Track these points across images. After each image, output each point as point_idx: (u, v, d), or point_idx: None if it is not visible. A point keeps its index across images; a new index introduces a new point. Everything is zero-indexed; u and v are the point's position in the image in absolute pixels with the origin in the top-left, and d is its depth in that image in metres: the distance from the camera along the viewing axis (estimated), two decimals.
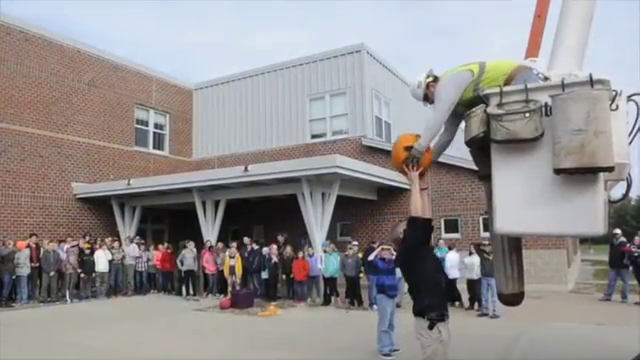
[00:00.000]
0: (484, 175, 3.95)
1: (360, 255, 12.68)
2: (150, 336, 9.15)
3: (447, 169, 15.85)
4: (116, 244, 15.42)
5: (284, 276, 13.58)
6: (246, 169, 13.52)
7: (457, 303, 12.07)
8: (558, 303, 12.47)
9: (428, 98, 4.30)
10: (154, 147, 21.02)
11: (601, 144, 3.06)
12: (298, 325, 10.06)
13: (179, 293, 14.72)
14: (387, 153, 17.30)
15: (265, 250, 13.95)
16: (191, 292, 14.48)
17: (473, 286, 11.53)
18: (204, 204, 15.53)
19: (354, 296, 12.34)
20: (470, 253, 11.75)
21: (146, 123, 20.78)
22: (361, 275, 12.56)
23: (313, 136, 19.45)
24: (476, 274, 11.39)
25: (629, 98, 3.78)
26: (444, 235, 15.76)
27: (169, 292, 15.34)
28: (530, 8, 4.75)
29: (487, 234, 15.25)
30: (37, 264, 13.42)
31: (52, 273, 13.52)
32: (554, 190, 3.33)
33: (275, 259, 13.55)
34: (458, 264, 12.04)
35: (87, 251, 14.33)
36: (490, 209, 3.88)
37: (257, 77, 21.16)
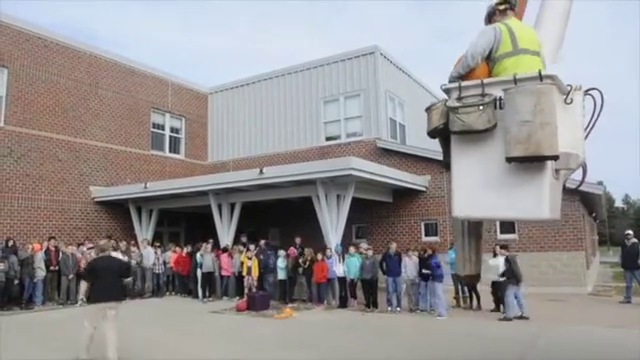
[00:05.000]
0: (447, 164, 4.09)
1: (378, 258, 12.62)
2: (166, 338, 9.21)
3: None
4: (133, 247, 15.56)
5: (304, 278, 13.55)
6: (261, 172, 13.56)
7: (476, 304, 12.00)
8: (577, 306, 12.31)
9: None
10: (170, 151, 21.21)
11: (546, 134, 3.28)
12: (314, 328, 10.06)
13: (195, 295, 14.80)
14: (402, 155, 17.27)
15: (281, 252, 13.97)
16: (207, 294, 14.54)
17: (498, 288, 11.35)
18: (220, 207, 15.62)
19: (371, 299, 12.29)
20: (494, 254, 11.60)
21: (162, 127, 20.99)
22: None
23: (328, 138, 19.46)
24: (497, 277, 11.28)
25: (586, 93, 3.97)
26: None
27: (186, 294, 15.43)
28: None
29: (504, 236, 15.18)
30: (56, 267, 13.60)
31: (71, 276, 13.68)
32: (506, 177, 3.54)
33: (290, 261, 13.58)
34: None
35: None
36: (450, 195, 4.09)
37: (271, 80, 21.26)
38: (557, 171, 3.67)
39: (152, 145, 20.33)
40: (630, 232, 13.62)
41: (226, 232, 15.48)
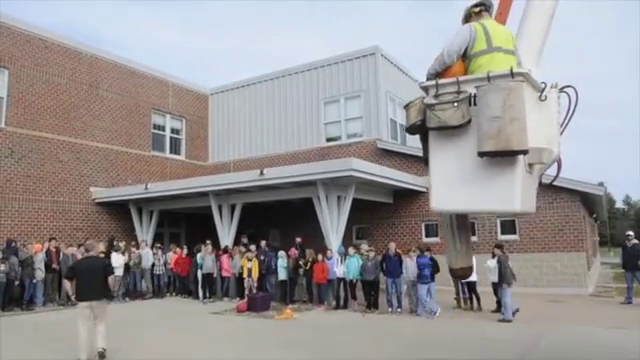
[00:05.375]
0: (426, 159, 4.21)
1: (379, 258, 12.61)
2: (166, 339, 9.21)
3: None
4: (133, 248, 15.56)
5: (305, 279, 13.56)
6: (262, 173, 13.57)
7: (476, 305, 11.98)
8: (578, 307, 12.30)
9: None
10: (171, 152, 21.23)
11: (515, 129, 3.39)
12: (315, 329, 10.05)
13: (196, 296, 14.79)
14: (402, 156, 17.26)
15: (281, 253, 13.96)
16: (208, 295, 14.54)
17: (496, 289, 11.40)
18: (220, 208, 15.63)
19: (371, 299, 12.28)
20: (493, 256, 11.63)
21: (163, 128, 21.01)
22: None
23: (328, 139, 19.46)
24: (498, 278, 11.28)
25: (561, 90, 4.12)
26: None
27: (186, 295, 15.43)
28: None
29: (505, 237, 15.18)
30: (57, 268, 13.59)
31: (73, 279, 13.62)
32: (480, 171, 3.65)
33: (290, 262, 13.58)
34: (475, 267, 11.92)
35: (103, 255, 14.43)
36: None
37: (272, 81, 21.28)
38: (530, 165, 3.77)
39: (153, 146, 20.35)
40: (631, 233, 13.63)
41: (226, 233, 15.49)
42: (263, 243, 14.71)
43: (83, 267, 7.62)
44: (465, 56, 4.08)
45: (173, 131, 21.48)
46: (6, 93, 15.62)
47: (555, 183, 14.44)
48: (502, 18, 4.66)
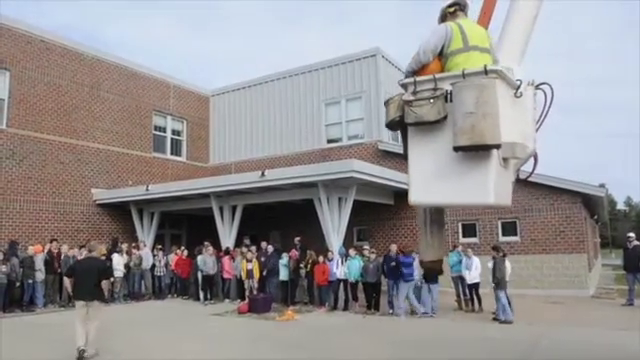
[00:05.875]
0: (406, 155, 4.32)
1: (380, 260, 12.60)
2: (166, 340, 9.21)
3: None
4: (134, 250, 15.56)
5: (306, 281, 13.55)
6: (263, 174, 13.57)
7: (477, 307, 11.97)
8: (579, 308, 12.28)
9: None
10: (172, 153, 21.25)
11: (488, 124, 3.49)
12: (316, 330, 10.05)
13: (197, 298, 14.79)
14: (403, 157, 17.18)
15: (283, 255, 13.95)
16: (209, 296, 14.53)
17: None
18: (221, 209, 15.63)
19: (372, 301, 12.26)
20: (494, 257, 11.62)
21: (164, 129, 21.03)
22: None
23: (329, 141, 19.47)
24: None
25: (537, 87, 4.24)
26: (462, 239, 15.64)
27: (187, 297, 15.43)
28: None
29: (507, 238, 15.18)
30: (59, 269, 13.58)
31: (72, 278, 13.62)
32: (455, 166, 3.75)
33: (291, 263, 13.58)
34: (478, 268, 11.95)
35: (104, 256, 14.42)
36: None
37: (273, 83, 21.29)
38: (505, 160, 3.86)
39: (154, 147, 20.36)
40: (632, 235, 13.61)
41: (227, 234, 15.48)
42: (264, 244, 14.70)
43: (81, 267, 7.98)
44: (442, 55, 4.17)
45: (174, 132, 21.50)
46: (7, 94, 15.64)
47: (556, 184, 14.51)
48: (486, 18, 4.76)
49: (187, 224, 21.00)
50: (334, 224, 13.47)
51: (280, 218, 18.44)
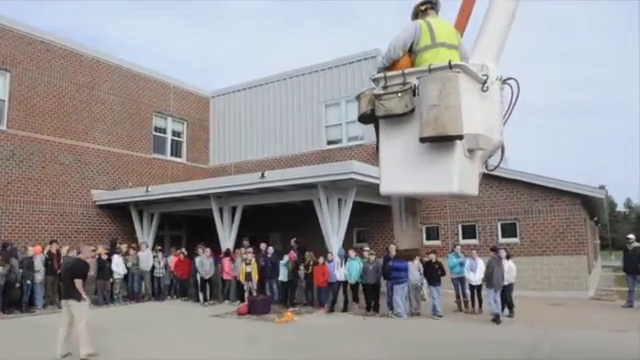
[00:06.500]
0: (378, 147, 4.46)
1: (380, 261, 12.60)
2: (166, 341, 9.21)
3: None
4: (132, 251, 15.57)
5: (304, 282, 13.54)
6: (263, 175, 13.57)
7: (477, 309, 11.97)
8: (579, 310, 12.28)
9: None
10: (172, 154, 21.25)
11: (450, 116, 3.63)
12: (315, 332, 10.05)
13: (196, 299, 14.79)
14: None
15: (284, 256, 13.95)
16: (208, 298, 14.53)
17: (503, 292, 11.36)
18: (221, 210, 15.63)
19: (372, 303, 12.26)
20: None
21: (164, 130, 21.03)
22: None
23: (329, 142, 19.48)
24: (506, 280, 11.33)
25: (504, 82, 4.39)
26: (462, 241, 15.64)
27: (186, 298, 15.43)
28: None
29: (506, 240, 15.17)
30: (58, 270, 13.57)
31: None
32: (422, 156, 3.89)
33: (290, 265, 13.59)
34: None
35: (104, 257, 14.44)
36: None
37: (273, 84, 21.30)
38: (471, 151, 4.00)
39: (154, 149, 20.37)
40: (632, 236, 13.61)
41: (227, 236, 15.48)
42: (263, 246, 14.70)
43: (63, 268, 8.31)
44: (412, 51, 4.33)
45: (174, 134, 21.51)
46: (7, 96, 15.64)
47: (556, 186, 14.53)
48: (464, 17, 4.92)
49: (187, 225, 20.99)
50: (334, 225, 13.47)
51: (280, 219, 18.43)
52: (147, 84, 20.26)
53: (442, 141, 3.74)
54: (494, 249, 11.85)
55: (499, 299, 10.87)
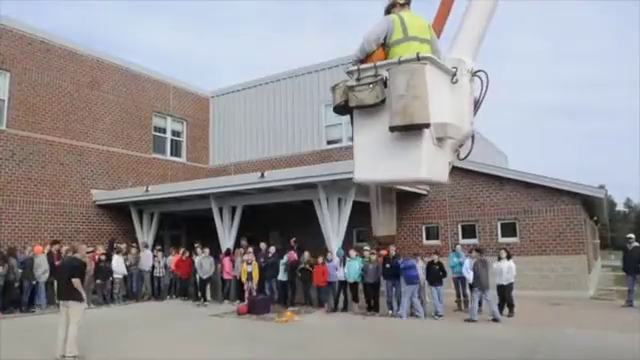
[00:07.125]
0: (352, 137, 4.61)
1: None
2: (165, 340, 9.21)
3: (463, 174, 15.72)
4: (133, 250, 15.57)
5: (303, 282, 13.54)
6: (262, 175, 13.58)
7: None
8: (579, 310, 12.28)
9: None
10: (172, 154, 21.25)
11: (417, 106, 3.77)
12: (315, 331, 10.06)
13: (196, 299, 14.79)
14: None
15: (285, 256, 13.96)
16: (208, 298, 14.53)
17: (503, 291, 11.51)
18: (221, 210, 15.63)
19: (372, 302, 12.26)
20: (499, 258, 11.74)
21: (164, 130, 21.04)
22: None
23: (329, 142, 19.48)
24: (506, 279, 11.33)
25: (474, 74, 4.53)
26: (461, 241, 15.65)
27: (186, 298, 15.43)
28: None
29: (506, 239, 15.18)
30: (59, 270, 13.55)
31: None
32: (393, 145, 4.04)
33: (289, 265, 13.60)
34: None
35: (103, 257, 14.42)
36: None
37: (273, 84, 21.30)
38: (440, 140, 4.15)
39: (154, 148, 20.37)
40: (632, 236, 13.61)
41: (227, 235, 15.48)
42: (263, 245, 14.70)
43: (61, 267, 8.21)
44: (386, 45, 4.45)
45: (174, 133, 21.51)
46: (7, 96, 15.64)
47: (556, 186, 14.57)
48: (442, 15, 5.10)
49: (187, 225, 20.99)
50: (334, 225, 13.47)
51: (280, 219, 18.43)
52: (147, 84, 20.26)
53: (410, 130, 3.88)
54: (479, 250, 11.90)
55: (490, 298, 10.94)
